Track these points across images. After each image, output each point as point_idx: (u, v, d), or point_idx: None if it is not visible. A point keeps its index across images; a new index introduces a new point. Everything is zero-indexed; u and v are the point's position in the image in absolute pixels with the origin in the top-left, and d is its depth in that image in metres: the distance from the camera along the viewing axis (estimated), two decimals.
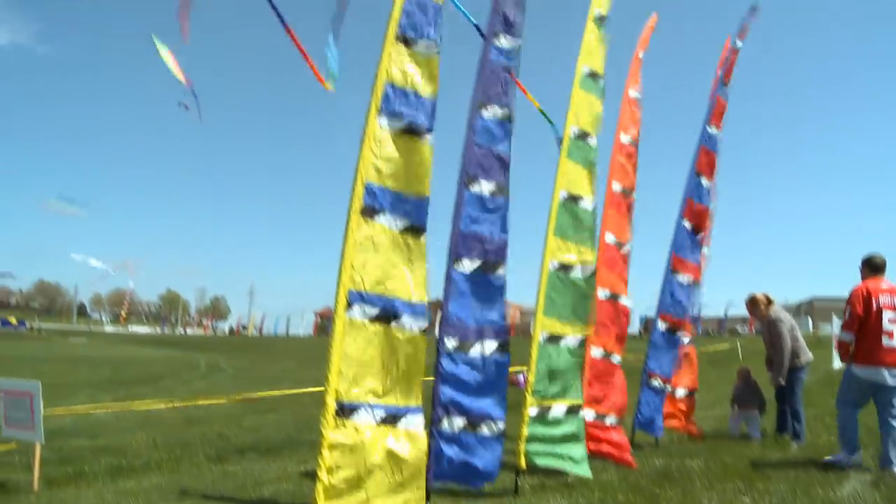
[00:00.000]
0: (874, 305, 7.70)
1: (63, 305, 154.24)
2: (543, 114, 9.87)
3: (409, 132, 5.71)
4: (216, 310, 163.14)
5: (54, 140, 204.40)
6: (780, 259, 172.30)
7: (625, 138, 9.46)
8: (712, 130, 10.86)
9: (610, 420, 8.50)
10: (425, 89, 5.86)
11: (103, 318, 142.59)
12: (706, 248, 11.99)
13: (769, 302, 10.27)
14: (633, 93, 9.85)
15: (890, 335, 7.59)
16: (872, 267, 8.06)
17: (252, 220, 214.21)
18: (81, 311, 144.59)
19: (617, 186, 9.15)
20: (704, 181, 10.67)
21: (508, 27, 6.85)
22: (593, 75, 8.27)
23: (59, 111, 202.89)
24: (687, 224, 10.42)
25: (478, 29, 7.83)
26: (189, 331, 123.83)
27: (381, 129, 5.58)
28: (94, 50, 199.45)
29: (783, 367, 9.75)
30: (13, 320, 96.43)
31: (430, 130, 5.83)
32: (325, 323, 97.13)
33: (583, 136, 8.01)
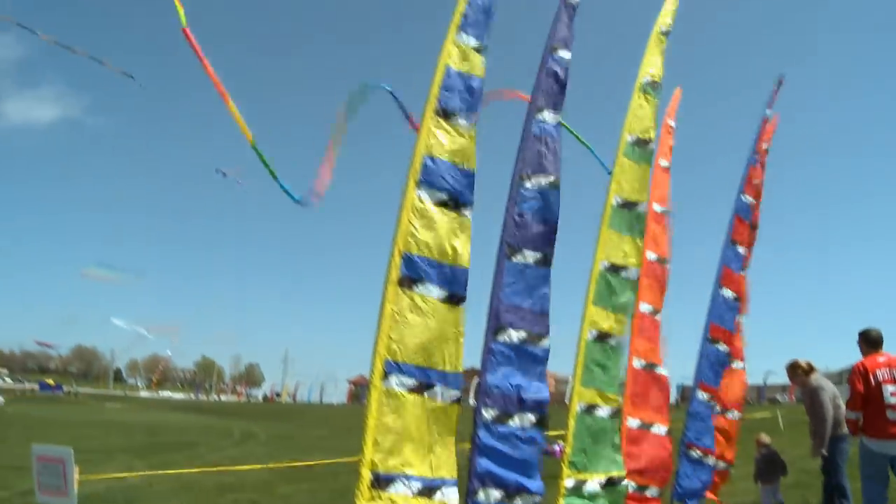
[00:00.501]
0: (873, 381, 7.78)
1: (100, 370, 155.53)
2: (590, 149, 9.93)
3: (448, 204, 5.80)
4: (250, 377, 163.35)
5: (99, 208, 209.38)
6: (821, 325, 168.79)
7: (658, 207, 9.48)
8: (746, 199, 10.84)
9: (651, 492, 8.31)
10: (464, 162, 5.96)
11: (139, 384, 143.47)
12: (743, 317, 11.85)
13: (810, 369, 10.07)
14: (663, 162, 9.90)
15: (894, 408, 7.58)
16: (869, 342, 8.24)
17: (287, 288, 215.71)
18: (118, 377, 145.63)
19: (652, 255, 9.13)
20: (740, 249, 10.62)
21: (551, 102, 6.95)
22: (640, 142, 8.34)
23: (105, 181, 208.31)
24: (726, 293, 10.33)
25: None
26: (223, 397, 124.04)
27: (419, 200, 5.67)
28: (142, 121, 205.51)
29: (824, 438, 9.50)
30: (51, 382, 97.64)
31: (468, 203, 5.92)
32: (358, 391, 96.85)
33: (627, 204, 8.05)
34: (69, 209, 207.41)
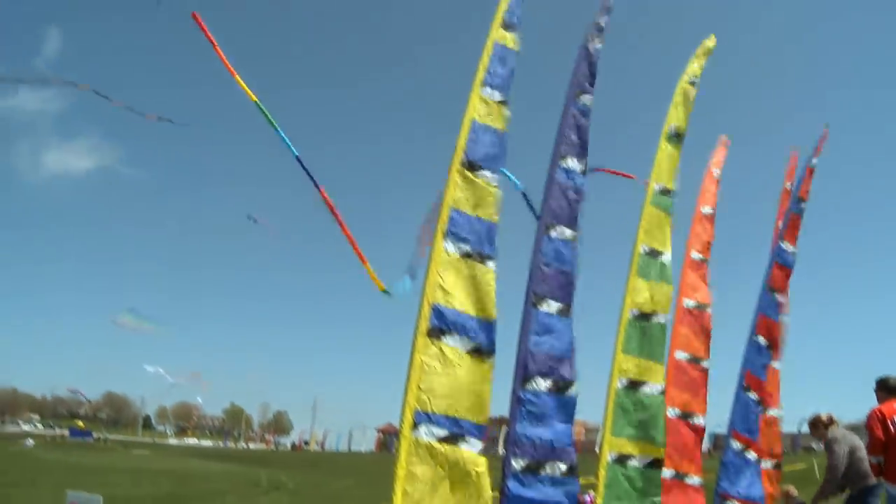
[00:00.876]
0: (891, 428, 7.86)
1: (129, 417, 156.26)
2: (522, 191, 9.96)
3: (473, 256, 5.85)
4: (279, 425, 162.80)
5: (131, 256, 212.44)
6: (860, 373, 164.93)
7: (696, 255, 9.44)
8: (786, 246, 10.75)
9: None
10: (488, 215, 6.03)
11: (167, 431, 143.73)
12: (777, 363, 11.67)
13: (830, 422, 9.89)
14: (705, 209, 9.89)
15: None
16: (888, 389, 8.30)
17: (316, 335, 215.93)
18: (147, 424, 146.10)
19: (689, 303, 9.08)
20: (778, 297, 10.50)
21: (575, 149, 7.01)
22: (665, 192, 8.37)
23: (140, 229, 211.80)
24: (761, 340, 10.19)
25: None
26: (251, 445, 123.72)
27: (446, 252, 5.72)
28: (175, 171, 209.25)
29: (827, 491, 9.30)
30: (81, 425, 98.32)
31: (492, 255, 5.97)
32: (387, 439, 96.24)
33: (654, 253, 8.05)
34: (102, 257, 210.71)
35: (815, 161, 11.42)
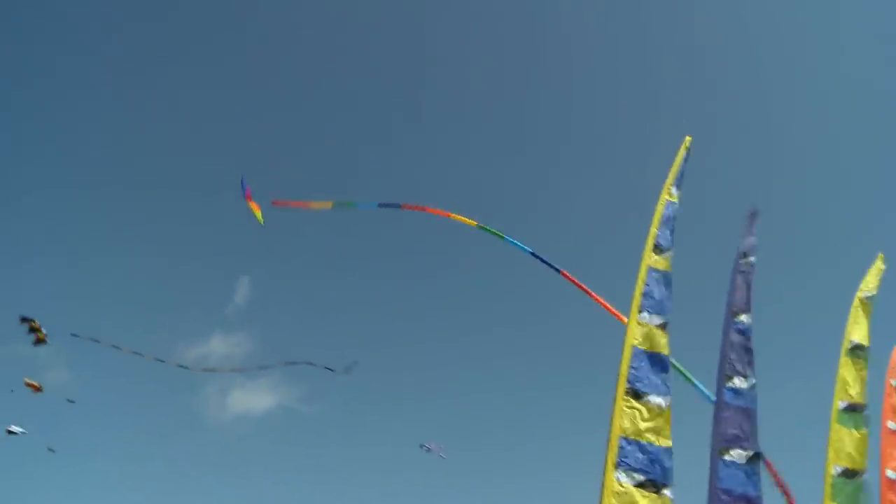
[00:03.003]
0: None
1: None
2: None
3: (647, 486, 5.67)
4: None
5: (305, 483, 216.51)
6: None
7: (891, 474, 8.69)
8: None
9: None
10: (660, 441, 5.88)
11: None
12: None
13: None
14: (892, 424, 9.21)
15: None
16: None
17: None
18: None
19: None
20: None
21: (740, 369, 6.86)
22: (852, 408, 7.97)
23: (315, 464, 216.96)
24: None
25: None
26: None
27: (618, 483, 5.58)
28: (349, 407, 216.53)
29: None
30: None
31: (667, 483, 5.76)
32: None
33: (849, 473, 7.56)
34: (277, 493, 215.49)
35: None
